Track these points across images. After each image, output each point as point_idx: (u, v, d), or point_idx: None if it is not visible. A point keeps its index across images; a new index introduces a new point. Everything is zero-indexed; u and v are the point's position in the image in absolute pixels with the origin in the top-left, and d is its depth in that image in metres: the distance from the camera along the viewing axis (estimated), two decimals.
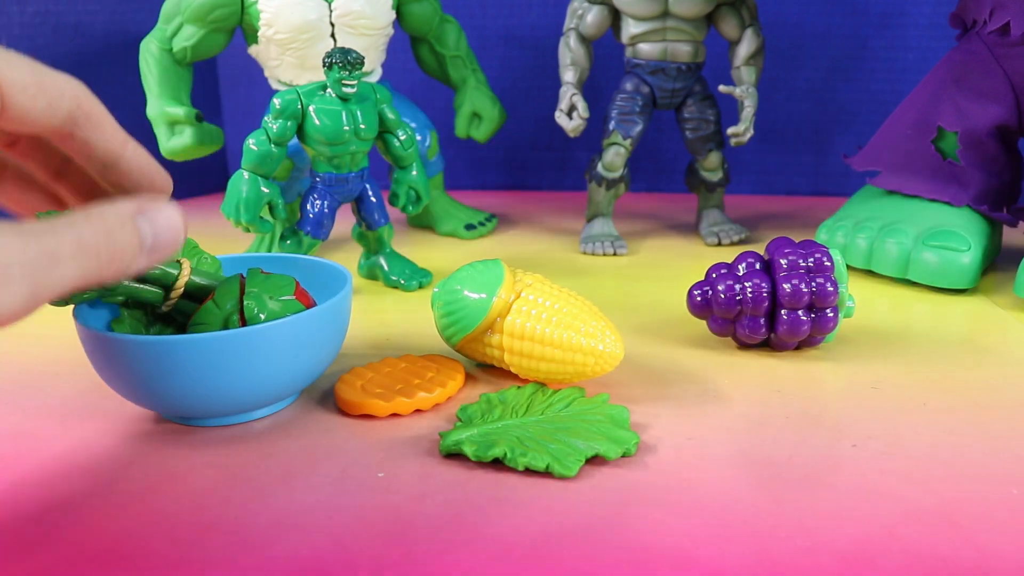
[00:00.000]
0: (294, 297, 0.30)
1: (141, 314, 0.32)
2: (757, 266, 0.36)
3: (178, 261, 0.32)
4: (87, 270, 0.21)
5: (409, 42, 0.60)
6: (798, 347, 0.37)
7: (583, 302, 0.33)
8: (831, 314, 0.35)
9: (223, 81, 0.78)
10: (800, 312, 0.35)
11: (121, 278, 0.22)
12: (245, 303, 0.30)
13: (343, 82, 0.41)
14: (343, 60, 0.41)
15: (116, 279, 0.22)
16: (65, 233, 0.20)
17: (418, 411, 0.31)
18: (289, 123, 0.42)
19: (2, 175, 0.27)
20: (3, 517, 0.25)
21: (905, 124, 0.51)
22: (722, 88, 0.53)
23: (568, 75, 0.54)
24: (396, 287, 0.47)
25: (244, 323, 0.29)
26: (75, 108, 0.24)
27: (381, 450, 0.29)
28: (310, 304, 0.31)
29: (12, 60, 0.22)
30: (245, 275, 0.31)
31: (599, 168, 0.55)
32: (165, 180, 0.27)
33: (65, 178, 0.27)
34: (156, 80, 0.51)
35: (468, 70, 0.59)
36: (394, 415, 0.31)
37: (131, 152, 0.26)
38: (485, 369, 0.35)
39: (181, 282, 0.31)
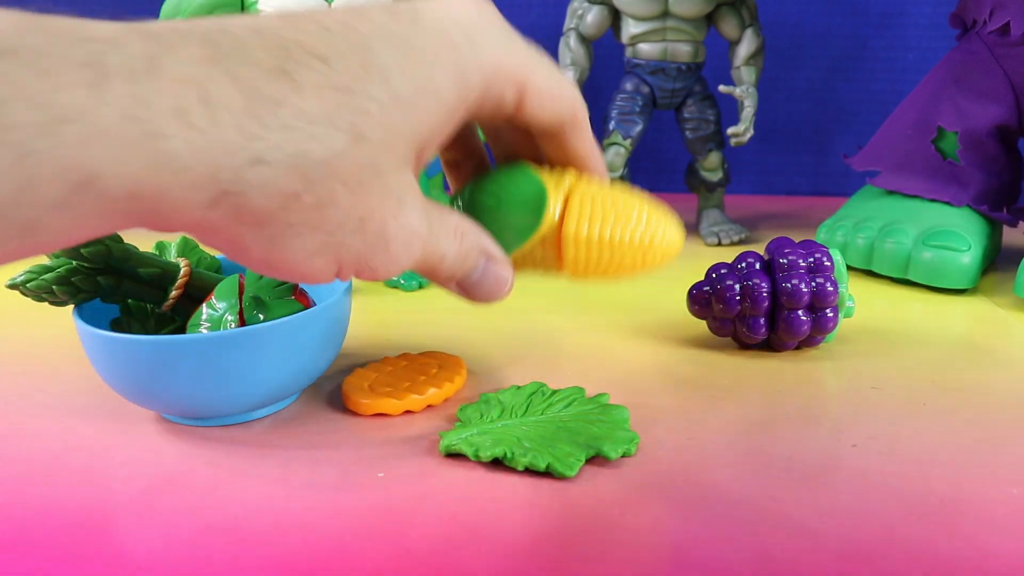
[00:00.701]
0: (293, 297, 0.30)
1: (141, 314, 0.32)
2: (757, 266, 0.36)
3: (178, 261, 0.32)
4: (431, 270, 0.24)
5: None
6: (798, 347, 0.37)
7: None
8: (831, 314, 0.35)
9: None
10: (800, 312, 0.35)
11: (434, 282, 0.25)
12: (244, 303, 0.30)
13: None
14: None
15: (432, 280, 0.25)
16: (448, 242, 0.24)
17: (413, 411, 0.31)
18: None
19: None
20: (2, 517, 0.25)
21: (905, 124, 0.51)
22: (722, 88, 0.53)
23: (568, 75, 0.54)
24: (396, 287, 0.47)
25: (243, 323, 0.29)
26: (571, 117, 0.26)
27: (381, 450, 0.29)
28: (308, 304, 0.31)
29: (538, 66, 0.24)
30: (244, 275, 0.31)
31: None
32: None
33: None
34: None
35: None
36: (407, 412, 0.31)
37: (595, 164, 0.28)
38: (486, 368, 0.35)
39: (181, 282, 0.31)
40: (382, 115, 0.20)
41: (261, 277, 0.31)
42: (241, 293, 0.30)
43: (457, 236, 0.25)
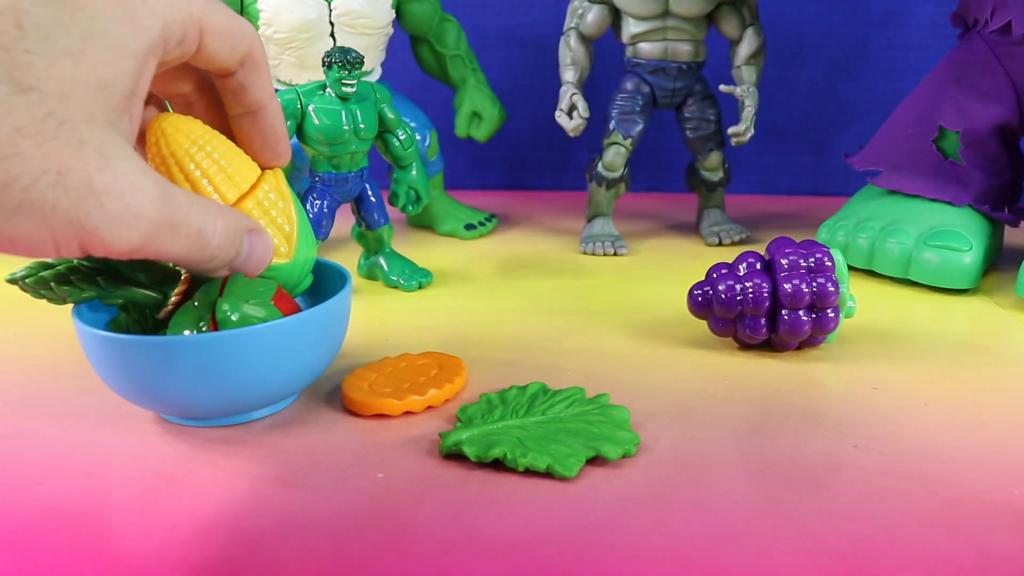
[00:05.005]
0: (272, 303, 0.29)
1: (140, 314, 0.32)
2: (758, 266, 0.36)
3: (177, 269, 0.32)
4: (189, 255, 0.24)
5: (409, 41, 0.60)
6: (799, 347, 0.37)
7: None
8: (832, 314, 0.35)
9: None
10: (801, 312, 0.35)
11: (202, 274, 0.25)
12: (218, 305, 0.29)
13: (343, 81, 0.41)
14: (342, 59, 0.41)
15: (199, 272, 0.25)
16: (197, 216, 0.24)
17: (413, 411, 0.31)
18: (288, 122, 0.42)
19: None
20: (2, 518, 0.25)
21: (906, 124, 0.51)
22: (723, 88, 0.53)
23: (568, 75, 0.54)
24: (396, 287, 0.47)
25: (215, 326, 0.29)
26: (248, 53, 0.27)
27: (381, 450, 0.29)
28: (290, 310, 0.30)
29: (215, 6, 0.26)
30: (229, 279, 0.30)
31: (599, 168, 0.55)
32: (287, 150, 0.30)
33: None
34: None
35: (468, 69, 0.59)
36: (407, 412, 0.31)
37: (273, 108, 0.29)
38: (486, 369, 0.35)
39: (180, 289, 0.31)
40: (48, 67, 0.21)
41: (236, 280, 0.29)
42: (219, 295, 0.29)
43: (218, 213, 0.25)
